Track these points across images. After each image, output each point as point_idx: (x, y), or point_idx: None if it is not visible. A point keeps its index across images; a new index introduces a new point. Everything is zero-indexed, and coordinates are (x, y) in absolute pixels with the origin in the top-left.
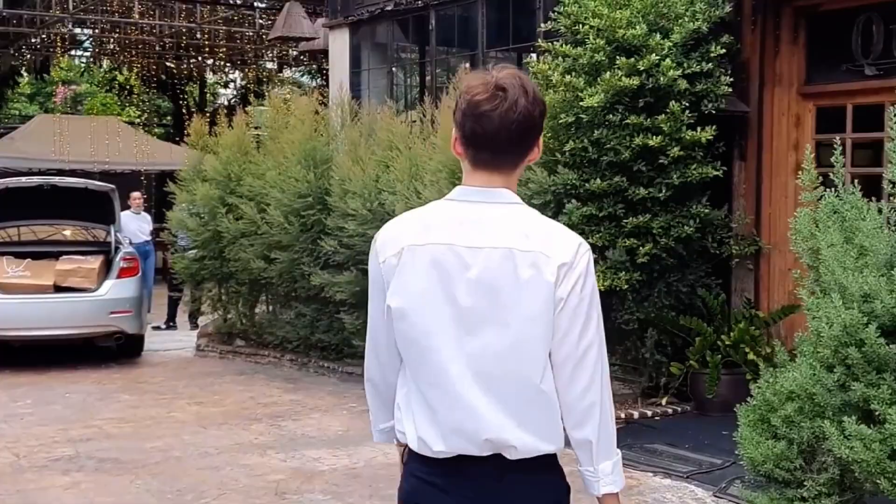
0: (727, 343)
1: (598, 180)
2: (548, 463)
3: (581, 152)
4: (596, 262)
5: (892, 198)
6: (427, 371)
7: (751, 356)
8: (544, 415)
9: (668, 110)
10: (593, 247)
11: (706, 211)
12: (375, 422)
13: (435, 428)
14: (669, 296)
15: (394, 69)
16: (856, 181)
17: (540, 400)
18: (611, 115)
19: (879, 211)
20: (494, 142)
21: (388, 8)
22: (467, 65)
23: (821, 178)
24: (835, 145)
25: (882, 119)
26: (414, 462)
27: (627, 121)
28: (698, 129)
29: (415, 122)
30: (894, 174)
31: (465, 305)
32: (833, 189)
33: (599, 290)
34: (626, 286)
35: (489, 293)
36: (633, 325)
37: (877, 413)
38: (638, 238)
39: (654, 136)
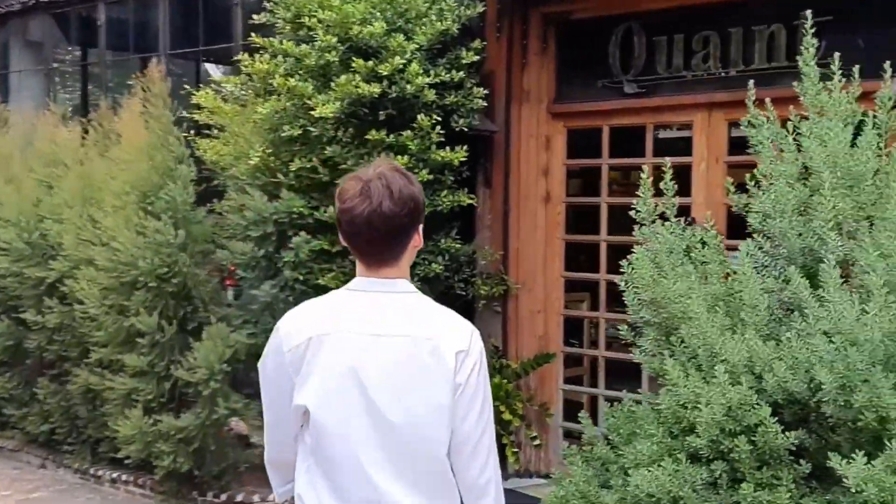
0: None
1: (332, 208)
2: None
3: (310, 173)
4: None
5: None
6: (336, 454)
7: (506, 416)
8: (448, 491)
9: (414, 125)
10: (325, 289)
11: (457, 245)
12: (276, 486)
13: None
14: None
15: (52, 70)
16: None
17: (446, 478)
18: (346, 129)
19: (747, 253)
20: (367, 240)
21: None
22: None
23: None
24: (665, 168)
25: (644, 142)
26: None
27: (367, 136)
28: (447, 148)
29: (87, 132)
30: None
31: (374, 393)
32: (667, 222)
33: None
34: None
35: (395, 380)
36: None
37: None
38: None
39: (399, 156)
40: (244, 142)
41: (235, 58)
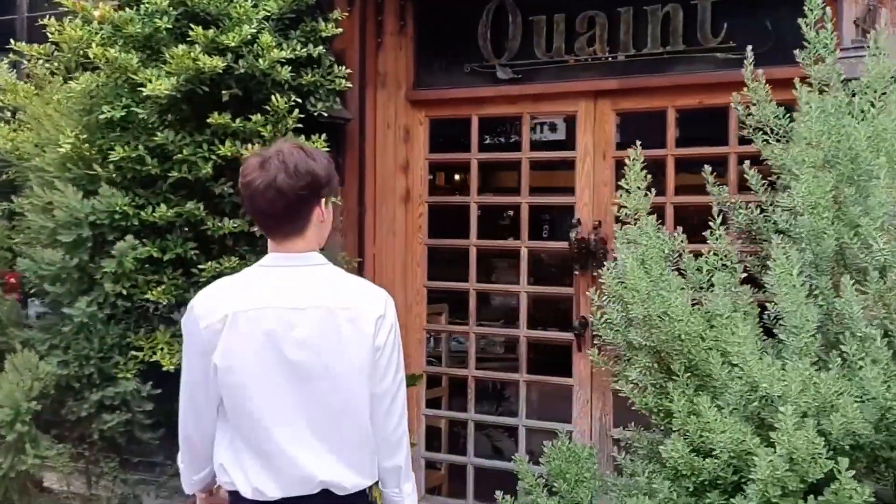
0: None
1: (163, 207)
2: (362, 493)
3: (135, 164)
4: (158, 328)
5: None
6: (259, 426)
7: None
8: (368, 455)
9: (267, 107)
10: (157, 305)
11: None
12: (188, 475)
13: (270, 475)
14: None
15: None
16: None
17: (366, 442)
18: (181, 111)
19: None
20: (267, 215)
21: None
22: None
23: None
24: (629, 159)
25: (520, 135)
26: None
27: (208, 120)
28: (303, 137)
29: None
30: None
31: (295, 362)
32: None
33: (169, 371)
34: None
35: (315, 350)
36: None
37: None
38: None
39: (249, 144)
40: (51, 125)
41: (41, 22)
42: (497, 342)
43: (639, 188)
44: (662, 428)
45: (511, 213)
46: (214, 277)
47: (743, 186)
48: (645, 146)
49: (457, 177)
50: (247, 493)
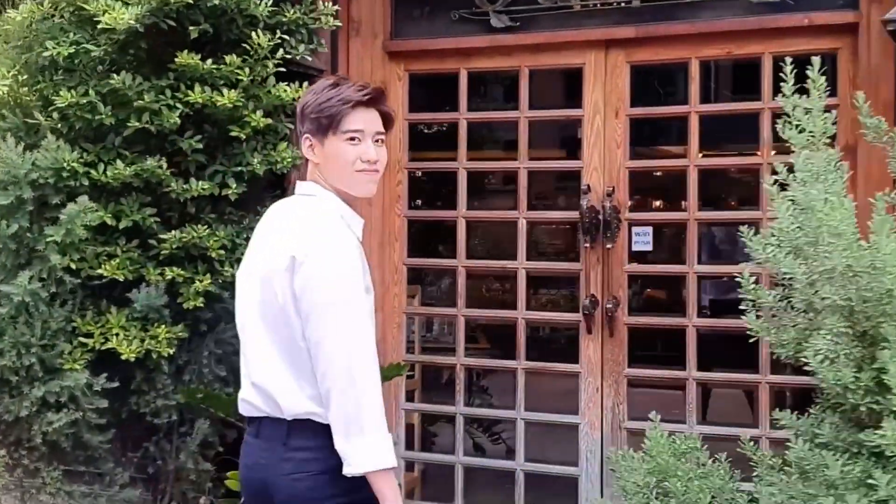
0: None
1: (119, 164)
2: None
3: (85, 112)
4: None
5: None
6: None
7: None
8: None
9: (247, 45)
10: (113, 284)
11: None
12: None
13: None
14: (222, 362)
15: None
16: None
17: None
18: (140, 50)
19: None
20: None
21: None
22: None
23: None
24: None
25: (517, 91)
26: None
27: (177, 60)
28: (282, 85)
29: None
30: None
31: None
32: None
33: (127, 361)
34: (168, 351)
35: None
36: (167, 415)
37: None
38: (182, 266)
39: (226, 91)
40: None
41: None
42: (482, 326)
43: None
44: (855, 409)
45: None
46: (181, 249)
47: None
48: (664, 102)
49: (443, 142)
50: None
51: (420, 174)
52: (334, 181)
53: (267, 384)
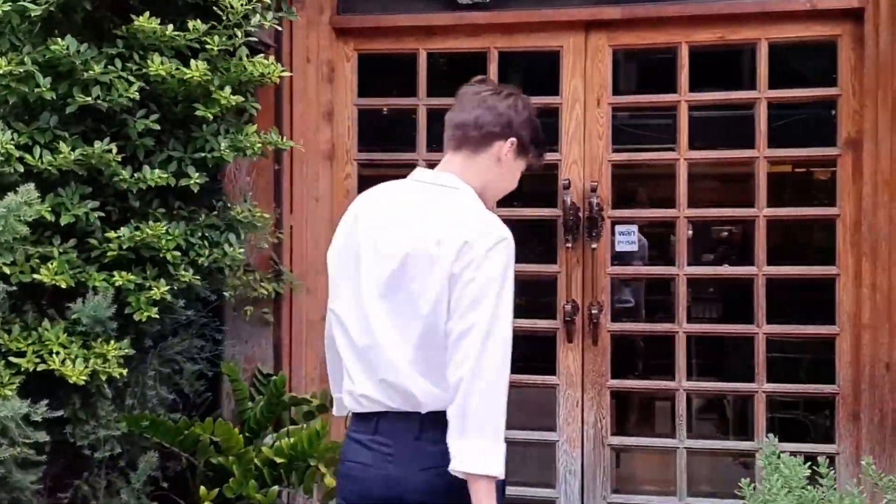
0: (279, 458)
1: (63, 147)
2: None
3: (20, 85)
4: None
5: None
6: None
7: (328, 479)
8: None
9: (217, 8)
10: (42, 291)
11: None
12: None
13: None
14: (166, 382)
15: None
16: None
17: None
18: (84, 12)
19: None
20: None
21: None
22: None
23: None
24: None
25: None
26: None
27: (136, 23)
28: (258, 58)
29: None
30: None
31: None
32: None
33: (61, 385)
34: (121, 372)
35: None
36: (108, 448)
37: None
38: (129, 271)
39: (193, 62)
40: None
41: None
42: None
43: None
44: None
45: None
46: (132, 250)
47: (773, 138)
48: (651, 90)
49: (397, 129)
50: None
51: (372, 166)
52: (490, 184)
53: (397, 377)
